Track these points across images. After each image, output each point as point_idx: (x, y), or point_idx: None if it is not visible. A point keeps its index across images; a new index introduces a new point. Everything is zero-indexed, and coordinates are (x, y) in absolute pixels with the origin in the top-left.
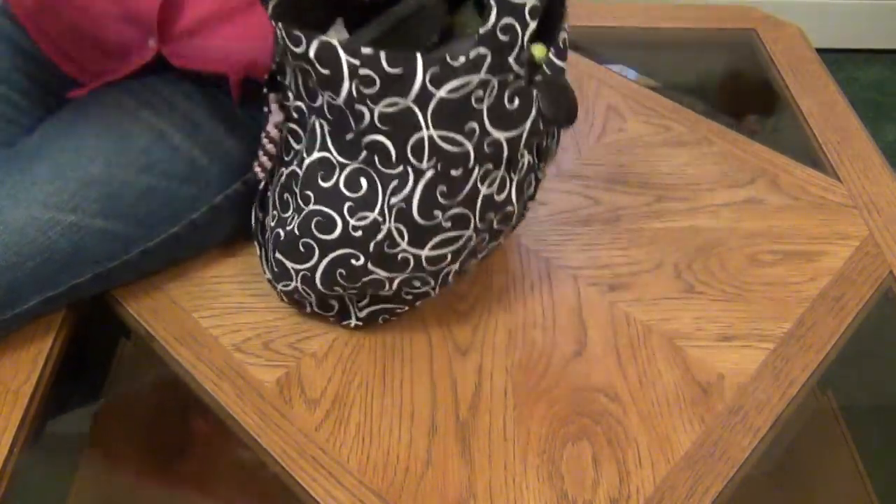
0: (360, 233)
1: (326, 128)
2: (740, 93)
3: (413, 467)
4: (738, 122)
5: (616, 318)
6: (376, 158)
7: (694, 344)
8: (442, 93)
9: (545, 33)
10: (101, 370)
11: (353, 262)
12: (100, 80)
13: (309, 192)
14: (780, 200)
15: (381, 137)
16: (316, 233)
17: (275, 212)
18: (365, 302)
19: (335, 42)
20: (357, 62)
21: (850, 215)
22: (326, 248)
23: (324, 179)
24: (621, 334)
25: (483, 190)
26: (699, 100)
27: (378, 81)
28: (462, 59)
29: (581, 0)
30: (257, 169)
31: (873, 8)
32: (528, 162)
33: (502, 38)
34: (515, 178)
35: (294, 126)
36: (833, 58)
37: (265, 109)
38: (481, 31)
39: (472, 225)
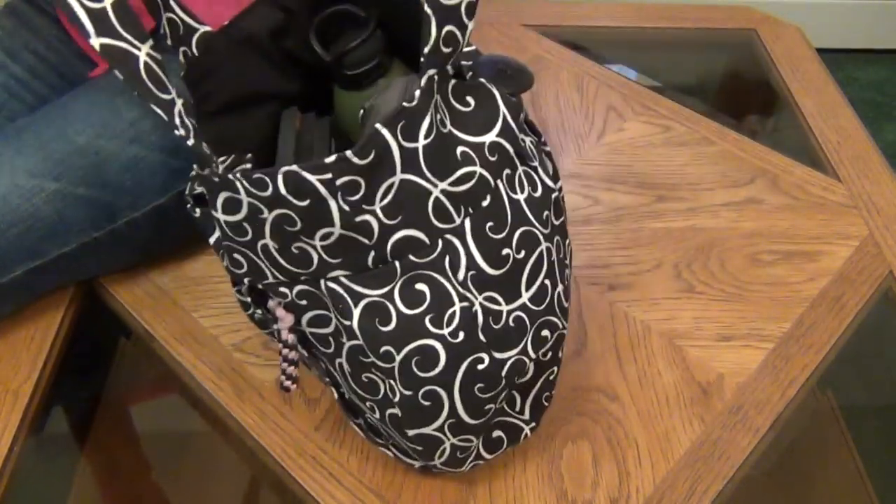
0: (462, 334)
1: (342, 275)
2: (740, 93)
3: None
4: (738, 122)
5: (616, 318)
6: (411, 256)
7: (694, 344)
8: (421, 142)
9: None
10: (101, 370)
11: (480, 367)
12: None
13: (385, 348)
14: (779, 200)
15: (402, 233)
16: (425, 375)
17: (369, 403)
18: (519, 402)
19: (294, 167)
20: (329, 175)
21: (850, 215)
22: (446, 378)
23: (384, 323)
24: (621, 334)
25: (520, 196)
26: (699, 100)
27: (362, 181)
28: (417, 93)
29: (581, 0)
30: (289, 384)
31: (873, 8)
32: (531, 142)
33: (445, 49)
34: (537, 165)
35: (308, 317)
36: (833, 58)
37: (271, 322)
38: (426, 49)
39: (540, 236)
